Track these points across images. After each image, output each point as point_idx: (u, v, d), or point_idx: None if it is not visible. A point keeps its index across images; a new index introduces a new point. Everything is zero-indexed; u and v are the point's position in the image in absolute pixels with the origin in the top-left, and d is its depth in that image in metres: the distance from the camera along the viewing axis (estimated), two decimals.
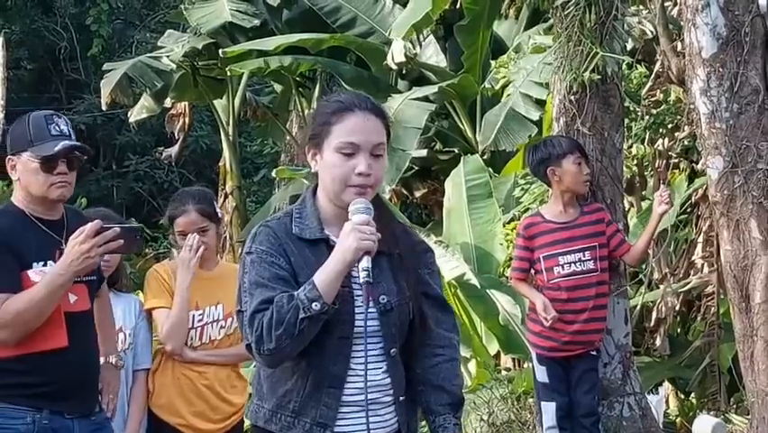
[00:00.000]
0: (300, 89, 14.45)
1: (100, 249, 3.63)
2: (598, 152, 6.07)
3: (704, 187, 7.06)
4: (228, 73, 12.88)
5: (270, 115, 15.71)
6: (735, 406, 7.37)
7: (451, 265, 8.08)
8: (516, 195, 8.96)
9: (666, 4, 7.59)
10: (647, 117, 8.08)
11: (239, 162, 15.87)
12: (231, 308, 4.45)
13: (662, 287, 8.01)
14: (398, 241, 2.97)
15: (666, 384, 7.81)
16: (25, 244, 3.73)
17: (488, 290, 7.98)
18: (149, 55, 14.66)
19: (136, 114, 14.79)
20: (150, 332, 4.75)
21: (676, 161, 8.48)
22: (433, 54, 12.89)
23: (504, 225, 8.92)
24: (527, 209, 7.74)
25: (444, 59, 12.81)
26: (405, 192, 13.25)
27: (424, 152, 12.41)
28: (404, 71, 12.47)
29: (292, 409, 2.87)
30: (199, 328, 4.61)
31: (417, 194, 13.24)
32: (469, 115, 12.01)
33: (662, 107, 8.16)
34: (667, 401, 7.80)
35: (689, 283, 7.90)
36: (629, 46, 7.68)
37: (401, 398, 2.95)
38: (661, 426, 6.62)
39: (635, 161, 8.26)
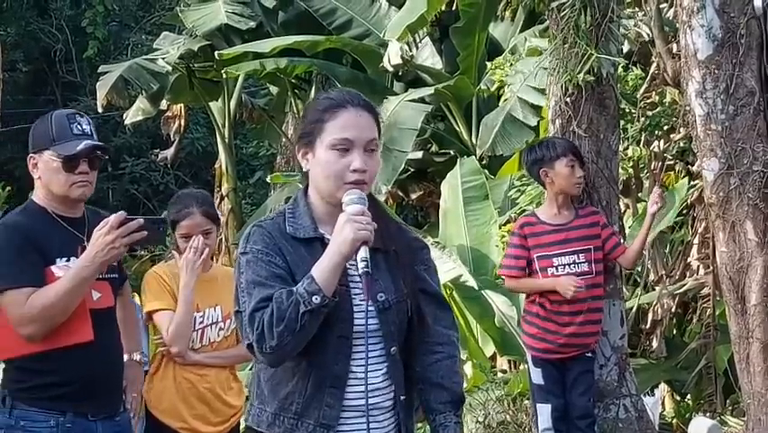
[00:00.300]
0: (296, 91, 14.45)
1: (125, 239, 3.63)
2: (594, 153, 6.07)
3: (700, 189, 7.08)
4: (224, 75, 12.89)
5: (266, 117, 15.72)
6: (731, 408, 7.38)
7: (447, 267, 8.08)
8: (511, 196, 8.96)
9: (662, 5, 7.60)
10: (643, 119, 8.08)
11: (234, 164, 15.88)
12: (229, 309, 4.44)
13: (657, 289, 8.03)
14: (394, 238, 2.95)
15: (662, 386, 7.82)
16: (48, 240, 3.75)
17: (483, 292, 7.98)
18: (144, 57, 14.66)
19: (132, 116, 14.78)
20: (147, 334, 4.73)
21: (672, 162, 8.49)
22: (428, 56, 12.89)
23: (500, 227, 8.92)
24: (523, 211, 7.74)
25: (440, 61, 12.81)
26: (400, 194, 13.26)
27: (419, 154, 12.42)
28: (400, 73, 12.46)
29: (294, 411, 2.84)
30: (200, 330, 4.61)
31: (413, 196, 13.25)
32: (465, 117, 12.02)
33: (657, 109, 8.17)
34: (663, 403, 7.81)
35: (684, 285, 7.92)
36: (625, 48, 7.69)
37: (402, 397, 2.93)
38: (657, 428, 6.63)
39: (631, 163, 8.27)
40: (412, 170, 12.53)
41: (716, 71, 5.42)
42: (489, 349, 8.31)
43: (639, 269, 8.03)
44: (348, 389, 2.85)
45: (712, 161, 5.46)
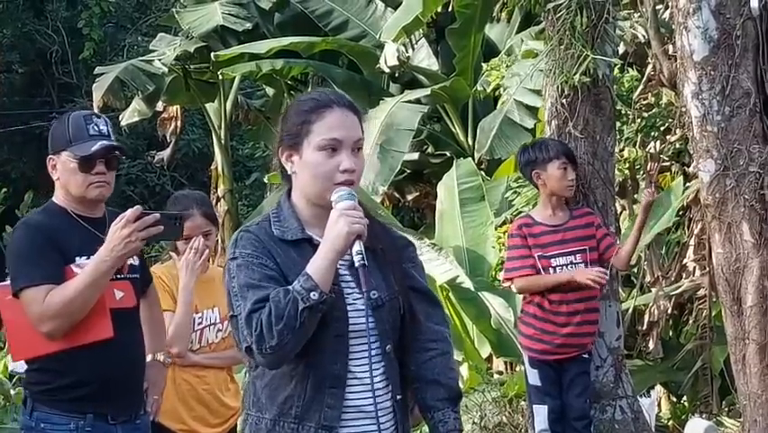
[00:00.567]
0: (292, 93, 14.42)
1: (141, 234, 3.63)
2: (590, 155, 6.08)
3: (696, 190, 7.08)
4: (220, 76, 12.86)
5: (262, 118, 15.69)
6: (727, 409, 7.39)
7: (443, 268, 8.09)
8: (508, 198, 8.96)
9: (658, 7, 7.60)
10: (639, 120, 8.09)
11: (231, 166, 15.86)
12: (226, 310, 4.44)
13: (654, 290, 8.03)
14: (379, 236, 2.93)
15: (658, 387, 7.82)
16: (69, 239, 3.76)
17: (480, 293, 7.98)
18: (140, 59, 14.64)
19: (128, 117, 14.75)
20: None
21: (668, 164, 8.50)
22: (425, 57, 12.90)
23: (496, 229, 8.93)
24: (519, 212, 7.74)
25: (436, 62, 12.81)
26: (397, 195, 13.24)
27: (416, 156, 12.41)
28: (396, 74, 12.46)
29: (294, 416, 2.80)
30: (198, 331, 4.62)
31: (409, 197, 13.24)
32: (461, 119, 12.02)
33: (653, 110, 8.18)
34: (659, 404, 7.81)
35: (681, 286, 7.92)
36: (621, 49, 7.69)
37: (398, 397, 2.91)
38: (653, 429, 6.63)
39: (627, 165, 8.27)
40: (408, 171, 12.52)
41: (712, 72, 5.43)
42: (486, 350, 8.31)
43: (635, 270, 8.03)
44: (348, 389, 2.83)
45: (708, 162, 5.47)
